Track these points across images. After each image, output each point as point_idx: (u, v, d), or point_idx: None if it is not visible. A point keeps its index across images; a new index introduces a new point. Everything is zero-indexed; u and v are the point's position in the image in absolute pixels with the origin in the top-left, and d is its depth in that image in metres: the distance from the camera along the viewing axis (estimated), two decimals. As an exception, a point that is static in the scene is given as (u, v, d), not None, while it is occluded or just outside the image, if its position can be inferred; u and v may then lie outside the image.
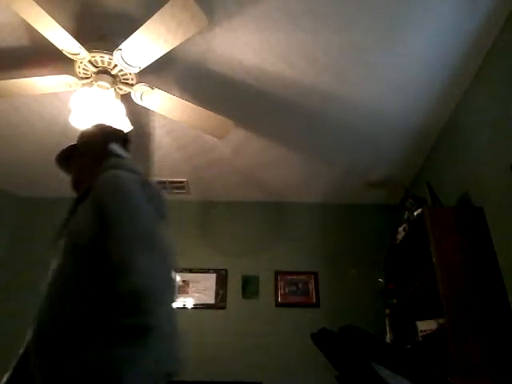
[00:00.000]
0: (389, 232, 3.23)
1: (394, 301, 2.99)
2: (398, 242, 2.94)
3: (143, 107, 2.47)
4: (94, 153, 1.38)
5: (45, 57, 2.36)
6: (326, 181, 3.60)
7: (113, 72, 2.25)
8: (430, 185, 2.72)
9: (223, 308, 3.41)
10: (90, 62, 2.19)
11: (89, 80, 2.29)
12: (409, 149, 3.16)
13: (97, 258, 1.04)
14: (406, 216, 2.86)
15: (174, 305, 1.06)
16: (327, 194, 3.78)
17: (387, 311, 3.05)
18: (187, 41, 2.04)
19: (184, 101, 2.41)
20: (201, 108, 2.45)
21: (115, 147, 1.38)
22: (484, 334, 1.98)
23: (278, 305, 3.43)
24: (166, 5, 1.82)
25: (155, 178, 3.61)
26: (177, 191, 3.78)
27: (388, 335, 2.96)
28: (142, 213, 1.12)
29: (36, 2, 1.82)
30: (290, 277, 3.54)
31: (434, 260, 2.20)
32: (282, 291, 3.48)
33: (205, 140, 3.07)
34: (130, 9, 2.12)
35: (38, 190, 3.78)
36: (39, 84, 2.30)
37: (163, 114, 2.50)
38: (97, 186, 1.17)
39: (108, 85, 2.26)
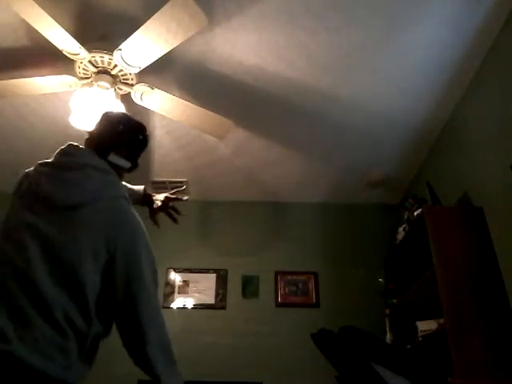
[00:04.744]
0: (389, 232, 3.23)
1: (394, 301, 2.98)
2: (397, 242, 2.94)
3: (143, 107, 2.47)
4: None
5: (45, 57, 2.36)
6: (326, 181, 3.60)
7: (113, 72, 2.25)
8: (429, 185, 2.72)
9: (223, 308, 3.41)
10: (90, 62, 2.20)
11: (89, 80, 2.29)
12: (409, 149, 3.16)
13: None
14: (406, 216, 2.86)
15: None
16: (327, 193, 3.78)
17: (387, 311, 3.05)
18: (187, 41, 2.04)
19: (184, 101, 2.41)
20: (201, 108, 2.45)
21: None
22: (484, 333, 1.98)
23: (278, 305, 3.43)
24: (166, 5, 1.82)
25: (155, 178, 3.62)
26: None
27: (388, 335, 2.96)
28: None
29: (36, 3, 1.82)
30: (289, 277, 3.54)
31: (434, 260, 2.20)
32: (282, 291, 3.48)
33: (205, 140, 3.07)
34: (130, 9, 2.12)
35: (38, 190, 3.77)
36: (39, 84, 2.30)
37: (163, 113, 2.50)
38: (127, 226, 1.24)
39: (108, 85, 2.26)
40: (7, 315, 1.02)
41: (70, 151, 1.31)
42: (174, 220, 1.72)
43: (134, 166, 1.46)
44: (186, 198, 1.78)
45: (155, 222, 1.71)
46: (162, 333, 1.23)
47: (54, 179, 1.23)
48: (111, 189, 1.28)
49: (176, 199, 1.74)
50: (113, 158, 1.36)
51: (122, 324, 1.20)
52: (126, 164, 1.40)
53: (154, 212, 1.71)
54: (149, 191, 1.74)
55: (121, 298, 1.17)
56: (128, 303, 1.18)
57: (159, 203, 1.71)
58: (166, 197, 1.72)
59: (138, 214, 1.31)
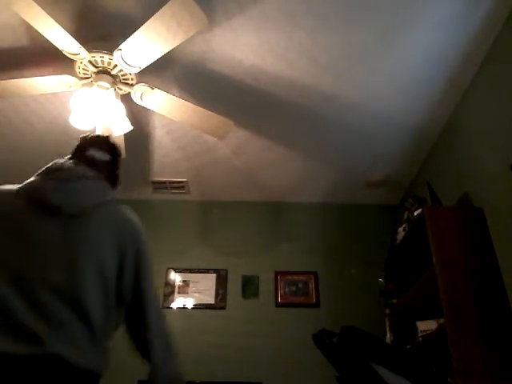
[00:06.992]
0: (389, 232, 3.22)
1: (394, 301, 2.98)
2: (397, 242, 2.94)
3: (143, 107, 2.47)
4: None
5: (45, 57, 2.36)
6: (326, 181, 3.60)
7: (113, 72, 2.25)
8: (429, 185, 2.72)
9: (223, 308, 3.41)
10: (90, 62, 2.20)
11: (89, 80, 2.29)
12: (409, 149, 3.16)
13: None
14: (406, 216, 2.86)
15: None
16: (327, 194, 3.78)
17: (387, 311, 3.04)
18: (187, 41, 2.04)
19: (184, 101, 2.41)
20: (201, 108, 2.45)
21: None
22: (484, 334, 1.98)
23: (278, 305, 3.43)
24: (166, 5, 1.82)
25: (155, 178, 3.62)
26: (177, 191, 3.78)
27: (388, 335, 2.96)
28: None
29: (36, 3, 1.82)
30: (290, 277, 3.54)
31: (434, 260, 2.20)
32: (282, 291, 3.48)
33: (205, 140, 3.07)
34: (130, 9, 2.12)
35: (37, 190, 3.77)
36: (39, 84, 2.30)
37: (163, 113, 2.50)
38: (132, 225, 1.31)
39: (108, 85, 2.26)
40: (43, 320, 1.05)
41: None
42: None
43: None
44: None
45: None
46: (163, 324, 1.33)
47: (60, 189, 1.28)
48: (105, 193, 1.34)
49: None
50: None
51: (128, 313, 1.29)
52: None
53: None
54: None
55: (131, 292, 1.26)
56: (138, 296, 1.27)
57: None
58: None
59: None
